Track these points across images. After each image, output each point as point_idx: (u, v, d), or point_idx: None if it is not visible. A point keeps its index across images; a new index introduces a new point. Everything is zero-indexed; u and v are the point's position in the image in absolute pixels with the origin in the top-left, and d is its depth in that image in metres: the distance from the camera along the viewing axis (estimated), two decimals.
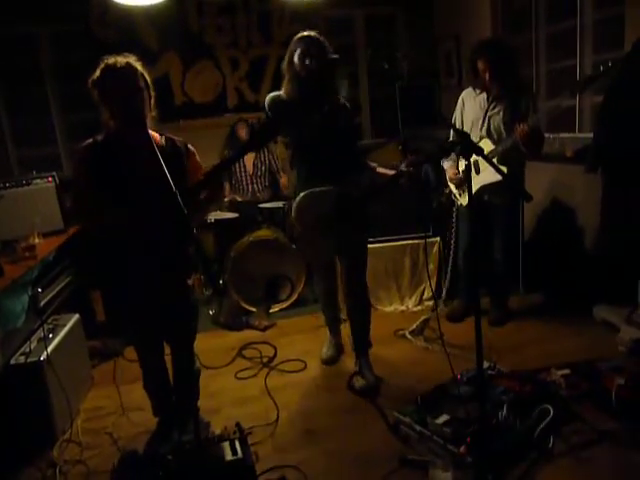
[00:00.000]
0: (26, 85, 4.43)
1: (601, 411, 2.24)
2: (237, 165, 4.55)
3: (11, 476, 2.18)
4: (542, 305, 3.50)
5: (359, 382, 2.66)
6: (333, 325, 3.04)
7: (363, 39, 5.20)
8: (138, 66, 2.02)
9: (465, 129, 3.00)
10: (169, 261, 2.02)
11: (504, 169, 2.80)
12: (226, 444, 2.11)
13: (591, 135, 3.26)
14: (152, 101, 2.07)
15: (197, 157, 2.18)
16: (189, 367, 2.35)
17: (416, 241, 3.59)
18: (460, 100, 3.13)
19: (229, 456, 2.05)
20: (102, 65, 1.98)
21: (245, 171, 4.56)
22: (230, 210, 4.21)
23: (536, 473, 1.95)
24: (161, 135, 2.13)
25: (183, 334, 2.27)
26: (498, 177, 2.76)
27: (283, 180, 4.58)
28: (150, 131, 2.10)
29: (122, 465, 2.08)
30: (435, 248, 3.60)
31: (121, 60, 1.98)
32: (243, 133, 4.48)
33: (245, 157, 4.56)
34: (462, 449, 1.98)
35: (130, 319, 2.21)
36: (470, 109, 3.02)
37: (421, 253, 3.62)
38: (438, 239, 3.60)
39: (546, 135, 3.76)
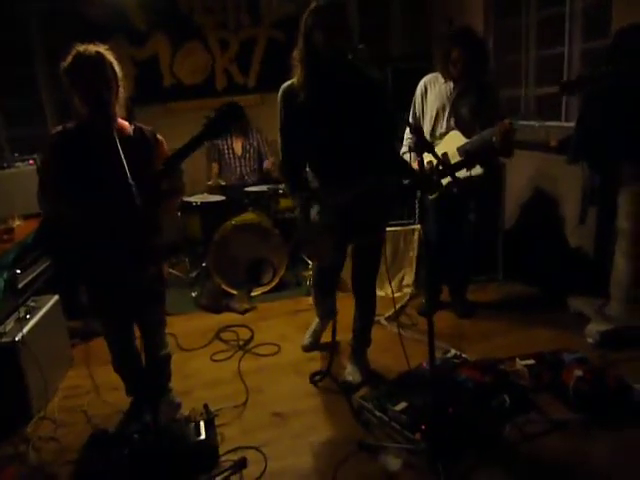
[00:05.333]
0: (15, 65, 4.44)
1: (559, 402, 2.29)
2: (225, 147, 4.57)
3: None
4: (519, 294, 3.53)
5: (350, 377, 2.60)
6: (324, 320, 2.96)
7: (356, 21, 5.12)
8: (108, 55, 2.03)
9: (428, 117, 2.94)
10: (133, 250, 2.05)
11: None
12: (191, 425, 2.19)
13: None
14: (121, 90, 2.08)
15: (165, 146, 2.20)
16: (157, 351, 2.40)
17: (397, 228, 3.62)
18: (422, 85, 2.98)
19: (193, 437, 2.13)
20: (73, 52, 1.99)
21: (234, 154, 4.58)
22: (216, 193, 4.24)
23: (488, 461, 2.01)
24: (130, 124, 2.15)
25: (150, 320, 2.32)
26: (472, 172, 2.80)
27: (267, 163, 4.57)
28: (120, 120, 2.12)
29: (92, 443, 2.17)
30: (415, 236, 3.63)
31: (91, 48, 1.99)
32: None
33: (234, 140, 4.58)
34: (417, 436, 2.04)
35: (96, 303, 2.27)
36: (434, 97, 2.91)
37: (402, 240, 3.65)
38: (419, 227, 3.62)
39: (532, 123, 3.76)
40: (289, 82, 2.21)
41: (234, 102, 1.81)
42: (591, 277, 3.14)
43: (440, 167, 2.23)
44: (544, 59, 3.92)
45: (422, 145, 1.63)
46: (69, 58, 1.99)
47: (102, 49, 2.03)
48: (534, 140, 3.74)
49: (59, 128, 2.10)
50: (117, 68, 2.06)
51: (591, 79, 2.64)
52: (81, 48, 1.99)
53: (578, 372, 2.28)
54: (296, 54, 2.14)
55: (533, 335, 2.94)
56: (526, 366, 2.48)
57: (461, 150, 2.72)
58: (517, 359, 2.55)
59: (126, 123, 2.14)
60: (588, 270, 3.24)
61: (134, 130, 2.14)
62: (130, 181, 1.64)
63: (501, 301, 3.45)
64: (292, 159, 2.31)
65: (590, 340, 2.79)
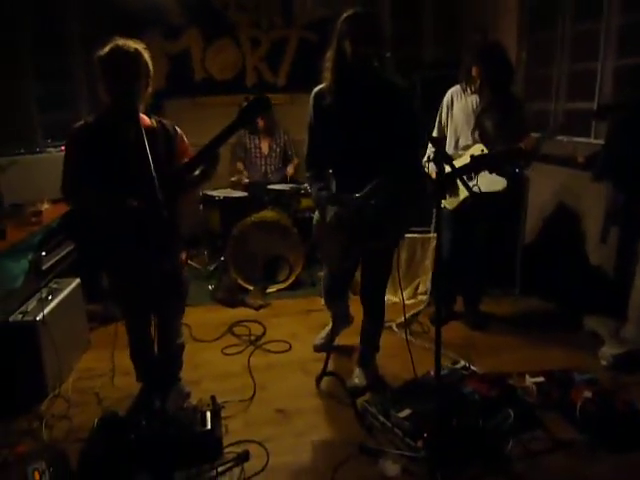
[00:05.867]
0: (53, 52, 4.56)
1: (566, 422, 2.28)
2: (253, 146, 4.62)
3: (1, 424, 2.35)
4: (535, 309, 3.50)
5: (357, 380, 2.61)
6: (338, 324, 2.93)
7: (388, 25, 5.13)
8: (145, 54, 2.09)
9: (452, 128, 2.95)
10: (155, 242, 2.09)
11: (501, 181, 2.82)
12: (198, 415, 2.24)
13: None
14: (149, 90, 2.14)
15: (185, 140, 2.25)
16: (172, 341, 2.46)
17: (415, 235, 3.62)
18: (449, 96, 3.02)
19: (199, 427, 2.18)
20: (112, 44, 2.04)
21: (260, 153, 4.63)
22: (239, 189, 4.30)
23: (488, 475, 2.01)
24: (150, 118, 2.20)
25: (168, 309, 2.38)
26: (493, 187, 2.80)
27: (290, 168, 4.59)
28: (141, 114, 2.18)
29: (101, 425, 2.24)
30: (433, 244, 3.62)
31: (130, 45, 2.04)
32: (259, 120, 4.52)
33: (262, 139, 4.63)
34: (418, 443, 2.05)
35: (116, 291, 2.34)
36: (460, 108, 2.94)
37: (418, 248, 3.65)
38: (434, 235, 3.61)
39: (559, 138, 3.73)
40: (320, 86, 2.29)
41: (263, 94, 1.86)
42: (609, 297, 3.10)
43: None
44: (576, 74, 3.86)
45: (441, 156, 1.64)
46: (106, 48, 2.04)
47: (140, 47, 2.09)
48: (561, 155, 3.71)
49: (80, 122, 2.16)
50: (150, 67, 2.11)
51: (624, 106, 2.61)
52: (120, 42, 2.04)
53: (587, 393, 2.26)
54: (328, 57, 2.20)
55: (545, 352, 2.91)
56: (535, 383, 2.47)
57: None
58: (527, 375, 2.53)
59: (146, 117, 2.19)
60: (607, 290, 3.19)
61: (156, 123, 2.18)
62: (153, 173, 1.69)
63: (516, 315, 3.42)
64: (316, 158, 2.38)
65: (603, 362, 2.75)
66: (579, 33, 3.78)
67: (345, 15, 2.14)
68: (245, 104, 1.78)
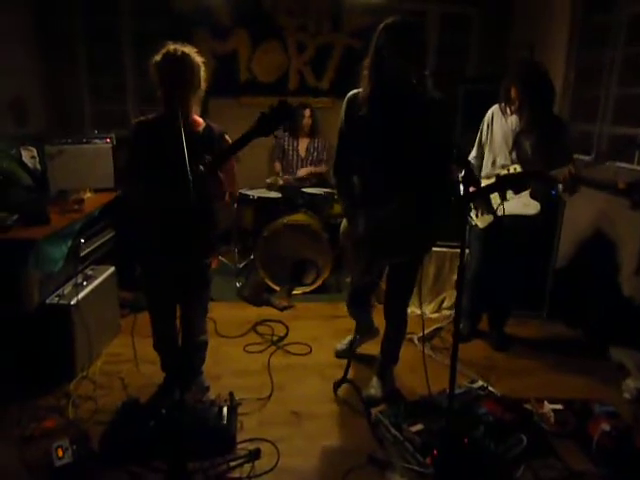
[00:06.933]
0: (105, 46, 4.76)
1: (581, 453, 2.24)
2: (290, 148, 4.69)
3: (32, 400, 2.48)
4: (560, 335, 3.43)
5: (373, 390, 2.62)
6: (362, 333, 2.91)
7: (435, 37, 5.13)
8: (195, 57, 2.17)
9: (492, 147, 2.93)
10: (188, 240, 2.17)
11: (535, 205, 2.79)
12: (215, 409, 2.32)
13: None
14: (200, 90, 2.22)
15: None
16: (196, 337, 2.54)
17: (444, 249, 3.61)
18: (490, 114, 2.99)
19: (215, 421, 2.25)
20: (163, 50, 2.14)
21: (297, 155, 4.70)
22: (274, 190, 4.38)
23: None
24: (204, 121, 2.29)
25: (193, 306, 2.46)
26: (526, 211, 2.77)
27: (303, 171, 4.66)
28: (195, 117, 2.27)
29: (124, 409, 2.34)
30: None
31: (180, 49, 2.13)
32: (304, 119, 4.61)
33: (300, 141, 4.70)
34: (427, 460, 2.06)
35: (146, 285, 2.44)
36: (499, 127, 2.91)
37: (447, 262, 3.63)
38: (467, 251, 3.58)
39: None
40: (355, 91, 2.25)
41: (285, 100, 1.89)
42: (638, 330, 3.02)
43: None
44: (624, 98, 3.77)
45: (469, 179, 1.65)
46: (159, 54, 2.13)
47: (191, 51, 2.17)
48: (602, 180, 3.62)
49: (141, 118, 2.29)
50: (201, 70, 2.19)
51: None
52: (172, 47, 2.13)
53: (605, 426, 2.22)
54: (366, 64, 2.14)
55: (567, 380, 2.87)
56: (553, 410, 2.43)
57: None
58: (545, 402, 2.50)
59: (200, 119, 2.28)
60: (636, 322, 3.11)
61: (204, 128, 2.27)
62: (189, 176, 1.76)
63: (541, 339, 3.37)
64: (345, 165, 2.37)
65: (627, 395, 2.69)
66: (630, 55, 3.69)
67: (385, 23, 2.03)
68: (267, 111, 1.82)
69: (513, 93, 2.74)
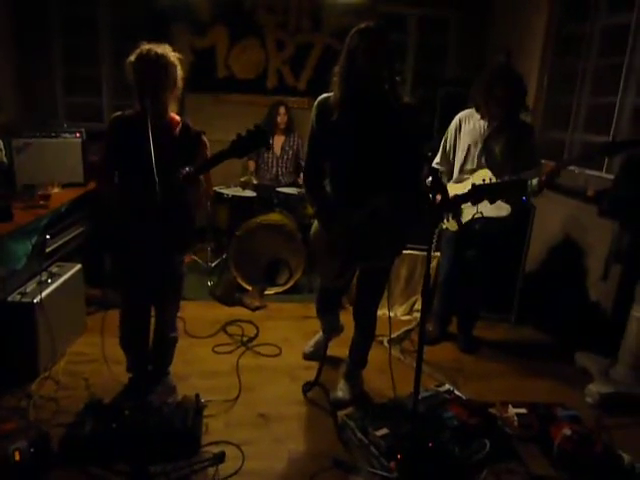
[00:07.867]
0: (81, 37, 4.66)
1: (543, 457, 2.28)
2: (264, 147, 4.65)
3: None
4: (528, 339, 3.49)
5: (340, 393, 2.61)
6: (329, 334, 2.91)
7: (414, 40, 5.15)
8: (171, 57, 2.14)
9: (459, 152, 2.95)
10: (161, 236, 2.13)
11: (506, 207, 2.83)
12: (181, 411, 2.28)
13: None
14: (177, 89, 2.20)
15: (207, 148, 2.27)
16: (165, 333, 2.51)
17: (415, 252, 3.63)
18: (457, 120, 3.00)
19: (179, 423, 2.22)
20: (138, 50, 2.11)
21: (272, 153, 4.66)
22: (248, 189, 4.34)
23: None
24: (181, 120, 2.25)
25: (165, 303, 2.43)
26: (497, 213, 2.80)
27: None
28: (172, 115, 2.24)
29: (86, 410, 2.29)
30: (434, 263, 3.62)
31: (154, 50, 2.10)
32: (279, 117, 4.57)
33: (275, 138, 4.67)
34: (392, 464, 2.07)
35: (120, 281, 2.41)
36: (468, 132, 2.92)
37: (419, 265, 3.65)
38: (438, 254, 3.61)
39: (572, 168, 3.71)
40: (326, 95, 2.24)
41: (262, 127, 1.90)
42: (604, 335, 3.08)
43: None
44: (595, 107, 3.84)
45: (436, 185, 1.66)
46: (134, 54, 2.10)
47: (166, 50, 2.14)
48: (572, 186, 3.69)
49: (118, 113, 2.26)
50: (177, 69, 2.17)
51: (637, 145, 2.60)
52: (145, 48, 2.10)
53: (567, 431, 2.25)
54: (337, 70, 2.16)
55: (532, 383, 2.91)
56: (517, 414, 2.46)
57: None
58: (510, 405, 2.53)
59: (177, 118, 2.25)
60: (602, 327, 3.18)
61: (180, 128, 2.23)
62: (155, 177, 1.74)
63: (508, 343, 3.41)
64: (316, 169, 2.36)
65: (589, 400, 2.74)
66: (603, 66, 3.76)
67: (357, 27, 2.08)
68: (243, 134, 1.82)
69: (500, 93, 2.71)
